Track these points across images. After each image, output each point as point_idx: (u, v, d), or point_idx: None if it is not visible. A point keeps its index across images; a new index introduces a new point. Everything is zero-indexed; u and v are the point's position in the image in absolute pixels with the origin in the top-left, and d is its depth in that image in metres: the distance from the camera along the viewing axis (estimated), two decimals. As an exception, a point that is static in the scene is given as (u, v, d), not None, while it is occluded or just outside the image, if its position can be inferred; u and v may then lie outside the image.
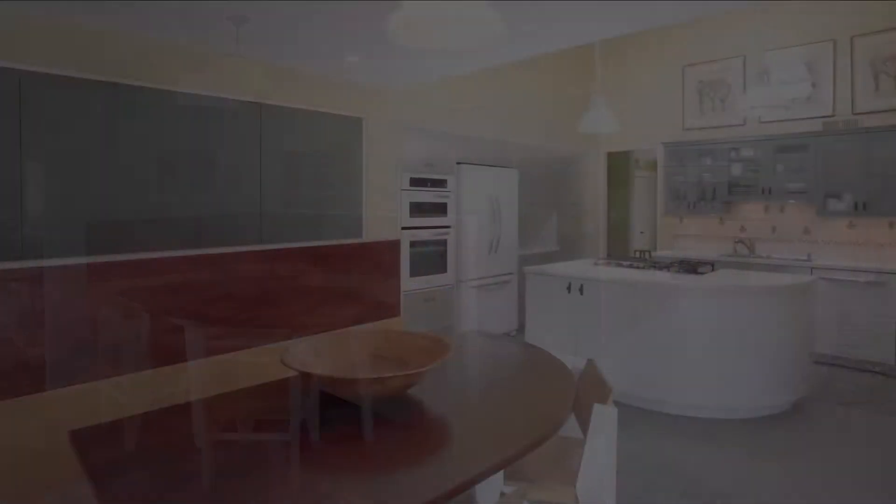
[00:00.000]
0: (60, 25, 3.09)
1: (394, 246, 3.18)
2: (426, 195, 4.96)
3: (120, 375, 2.13)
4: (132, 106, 3.29)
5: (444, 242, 5.13)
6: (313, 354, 2.05)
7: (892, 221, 5.17)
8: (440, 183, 5.10)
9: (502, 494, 2.05)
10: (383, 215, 4.65)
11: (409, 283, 4.77)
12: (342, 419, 1.76)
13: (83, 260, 2.10)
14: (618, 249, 8.27)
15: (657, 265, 4.50)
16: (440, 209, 5.09)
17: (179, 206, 3.50)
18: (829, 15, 5.46)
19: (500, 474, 2.02)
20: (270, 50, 3.68)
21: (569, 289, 4.22)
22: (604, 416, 1.83)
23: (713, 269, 4.44)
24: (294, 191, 4.09)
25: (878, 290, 4.74)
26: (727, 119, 6.17)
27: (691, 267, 4.38)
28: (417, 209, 4.87)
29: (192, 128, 3.55)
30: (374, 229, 4.56)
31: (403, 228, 4.76)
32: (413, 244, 4.83)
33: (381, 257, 3.13)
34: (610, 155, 7.47)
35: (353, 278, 3.02)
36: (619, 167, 8.34)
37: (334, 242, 2.88)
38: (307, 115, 4.16)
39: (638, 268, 4.47)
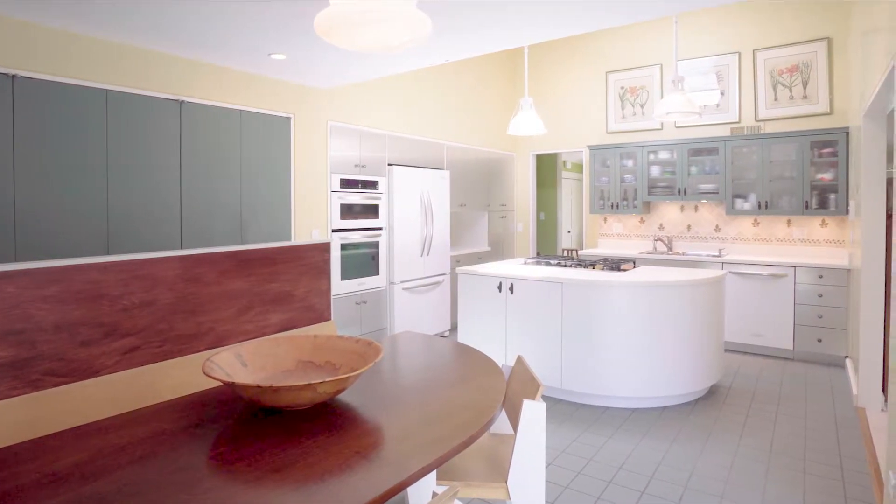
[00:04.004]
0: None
1: (323, 248, 3.11)
2: (357, 197, 4.91)
3: (20, 395, 1.96)
4: (31, 99, 3.04)
5: (376, 244, 5.10)
6: (238, 363, 1.97)
7: (790, 219, 5.65)
8: (371, 184, 5.06)
9: (434, 494, 2.06)
10: (313, 217, 4.55)
11: (339, 287, 4.70)
12: (270, 429, 1.71)
13: (-25, 269, 1.90)
14: (546, 248, 8.53)
15: (583, 263, 4.69)
16: (371, 211, 5.05)
17: (91, 208, 3.27)
18: (734, 29, 5.90)
19: (432, 474, 2.03)
20: (193, 46, 3.51)
21: (499, 288, 4.31)
22: (533, 412, 1.88)
23: (635, 266, 4.67)
24: (217, 191, 3.92)
25: (778, 282, 5.17)
26: (646, 123, 6.52)
27: (615, 264, 4.59)
28: (348, 211, 4.81)
29: (105, 125, 3.32)
30: (304, 231, 4.46)
31: (334, 231, 4.68)
32: (344, 246, 4.76)
33: (310, 260, 3.06)
34: (538, 157, 7.69)
35: (282, 282, 2.93)
36: (548, 168, 8.61)
37: (262, 245, 2.78)
38: (232, 112, 4.00)
39: (566, 266, 4.63)
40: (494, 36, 3.48)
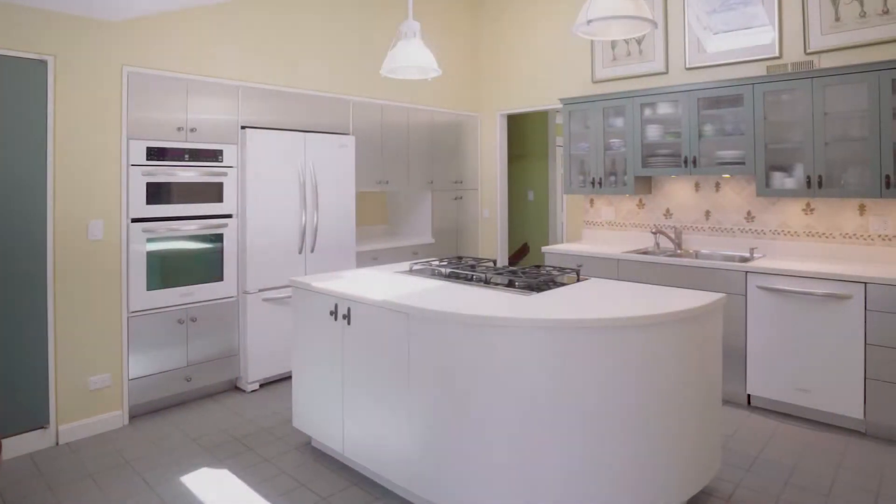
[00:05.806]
0: None
1: None
2: (184, 172, 3.52)
3: None
4: None
5: (220, 237, 3.70)
6: None
7: (863, 203, 3.66)
8: (210, 155, 3.64)
9: None
10: (94, 201, 3.20)
11: (144, 300, 3.35)
12: None
13: None
14: (535, 237, 6.79)
15: (487, 276, 3.05)
16: (211, 192, 3.64)
17: None
18: (780, -89, 3.86)
19: None
20: None
21: (334, 314, 2.78)
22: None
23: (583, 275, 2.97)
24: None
25: (838, 307, 3.26)
26: (646, 66, 4.59)
27: (539, 278, 2.91)
28: (164, 192, 3.43)
29: None
30: (75, 221, 3.11)
31: (135, 220, 3.33)
32: (154, 240, 3.40)
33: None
34: (523, 121, 5.92)
35: None
36: (536, 135, 6.85)
37: None
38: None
39: (466, 279, 3.02)
40: None
